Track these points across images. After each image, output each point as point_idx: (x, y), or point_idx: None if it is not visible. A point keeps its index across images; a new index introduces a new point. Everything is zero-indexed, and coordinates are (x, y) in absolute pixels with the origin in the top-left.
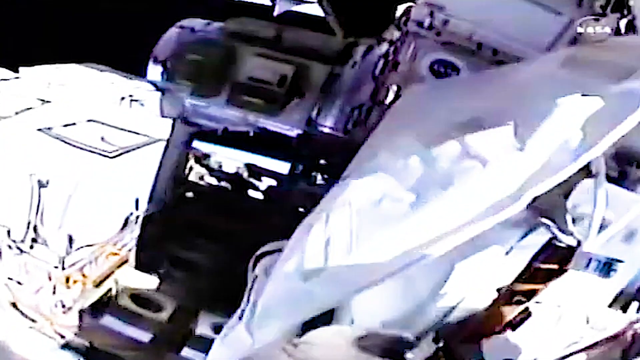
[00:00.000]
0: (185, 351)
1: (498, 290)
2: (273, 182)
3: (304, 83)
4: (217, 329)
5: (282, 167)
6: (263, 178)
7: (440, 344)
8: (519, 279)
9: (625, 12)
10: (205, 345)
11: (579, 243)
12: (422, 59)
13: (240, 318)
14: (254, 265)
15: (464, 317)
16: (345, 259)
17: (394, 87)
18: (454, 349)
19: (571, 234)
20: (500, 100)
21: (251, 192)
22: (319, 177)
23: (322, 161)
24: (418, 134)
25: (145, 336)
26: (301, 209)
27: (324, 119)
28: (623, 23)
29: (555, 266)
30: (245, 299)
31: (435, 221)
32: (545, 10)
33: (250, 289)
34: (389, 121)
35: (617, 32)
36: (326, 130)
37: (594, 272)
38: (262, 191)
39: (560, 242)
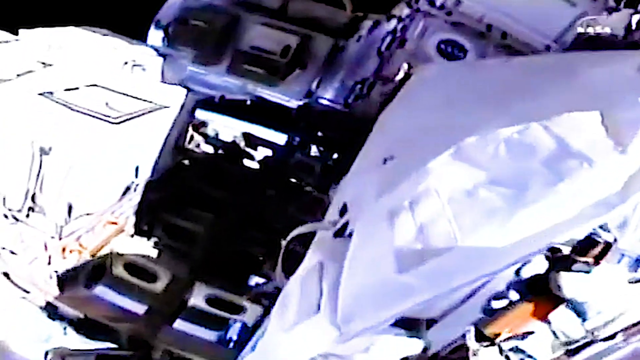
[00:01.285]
0: (178, 323)
1: None
2: (269, 152)
3: (307, 54)
4: (211, 300)
5: (279, 137)
6: (259, 148)
7: None
8: None
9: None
10: (197, 317)
11: (615, 239)
12: (430, 38)
13: (317, 310)
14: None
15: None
16: (450, 248)
17: (405, 66)
18: None
19: (608, 231)
20: (575, 101)
21: (247, 162)
22: (314, 149)
23: (319, 133)
24: (501, 123)
25: (139, 308)
26: (296, 181)
27: (324, 91)
28: (635, 19)
29: (591, 259)
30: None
31: (545, 215)
32: (560, 0)
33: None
34: (450, 102)
35: (628, 27)
36: (326, 102)
37: (625, 267)
38: (257, 161)
39: (599, 237)
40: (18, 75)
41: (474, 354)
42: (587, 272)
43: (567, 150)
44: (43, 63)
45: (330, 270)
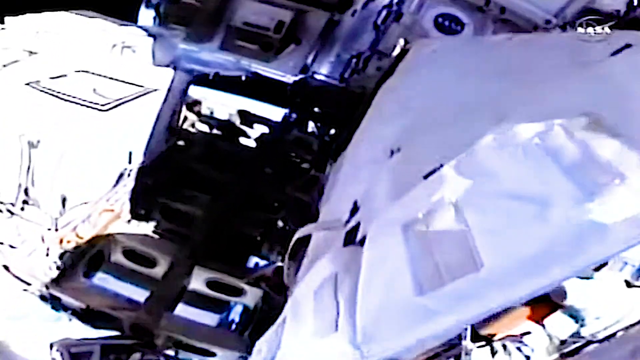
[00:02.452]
0: (180, 308)
1: None
2: (265, 130)
3: (302, 29)
4: (211, 284)
5: (276, 113)
6: (255, 125)
7: None
8: None
9: None
10: (198, 300)
11: None
12: (428, 12)
13: (335, 328)
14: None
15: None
16: (472, 272)
17: (401, 41)
18: None
19: None
20: (601, 95)
21: (243, 140)
22: (311, 124)
23: (316, 109)
24: (516, 116)
25: (140, 295)
26: (293, 157)
27: (320, 66)
28: None
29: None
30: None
31: (573, 238)
32: None
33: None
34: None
35: (630, 4)
36: (321, 77)
37: (627, 275)
38: (254, 139)
39: None
40: (4, 65)
41: (467, 354)
42: (589, 278)
43: (593, 160)
44: (29, 52)
45: (346, 283)
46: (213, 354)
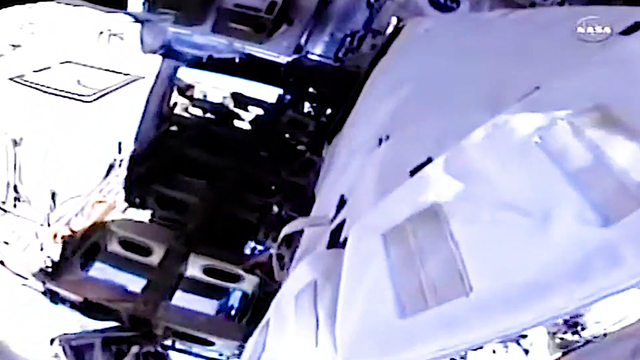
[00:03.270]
0: (177, 295)
1: None
2: (260, 112)
3: (294, 9)
4: (207, 270)
5: (270, 95)
6: (250, 107)
7: None
8: None
9: None
10: (196, 287)
11: None
12: None
13: (315, 343)
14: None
15: None
16: (460, 295)
17: (394, 19)
18: None
19: None
20: (615, 83)
21: (237, 123)
22: (307, 105)
23: (311, 89)
24: (513, 107)
25: (137, 284)
26: (289, 139)
27: (314, 45)
28: None
29: None
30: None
31: (574, 254)
32: None
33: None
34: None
35: None
36: (315, 57)
37: None
38: (248, 121)
39: None
40: None
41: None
42: None
43: (606, 167)
44: (13, 45)
45: (326, 292)
46: (212, 343)
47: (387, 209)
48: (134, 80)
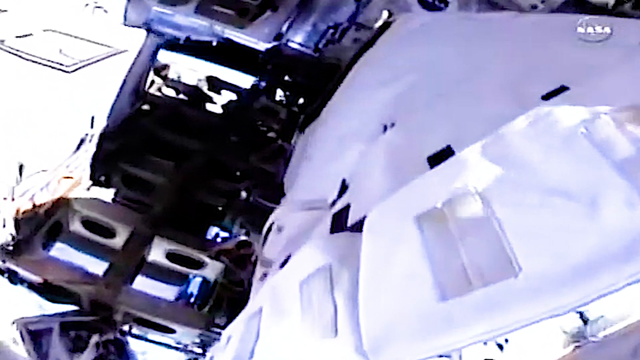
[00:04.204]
0: (138, 280)
1: None
2: (233, 97)
3: None
4: (170, 255)
5: (245, 80)
6: (223, 92)
7: None
8: None
9: None
10: (157, 272)
11: None
12: None
13: (334, 331)
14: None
15: None
16: (507, 276)
17: (385, 13)
18: None
19: None
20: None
21: (209, 106)
22: (280, 92)
23: (287, 78)
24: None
25: (99, 266)
26: (260, 125)
27: (295, 34)
28: None
29: None
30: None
31: (623, 242)
32: None
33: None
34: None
35: None
36: (295, 46)
37: None
38: (221, 105)
39: None
40: None
41: None
42: None
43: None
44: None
45: (344, 278)
46: (172, 331)
47: (415, 192)
48: (116, 54)
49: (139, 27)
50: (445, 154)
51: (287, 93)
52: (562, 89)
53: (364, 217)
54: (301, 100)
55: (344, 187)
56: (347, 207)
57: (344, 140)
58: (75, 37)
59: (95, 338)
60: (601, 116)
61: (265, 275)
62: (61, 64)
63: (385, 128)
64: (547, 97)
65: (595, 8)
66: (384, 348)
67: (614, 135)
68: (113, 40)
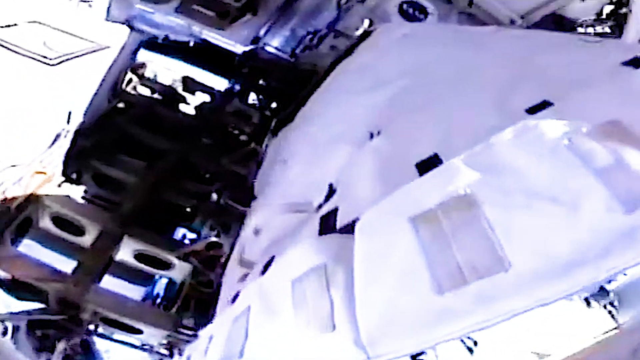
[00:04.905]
0: (106, 279)
1: None
2: (207, 98)
3: (262, 0)
4: (139, 256)
5: (220, 83)
6: (197, 93)
7: None
8: None
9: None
10: (124, 272)
11: None
12: None
13: (332, 326)
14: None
15: None
16: (499, 271)
17: (366, 22)
18: None
19: None
20: (628, 106)
21: (183, 107)
22: (253, 96)
23: (261, 81)
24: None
25: (68, 264)
26: (232, 129)
27: (272, 38)
28: (608, 9)
29: None
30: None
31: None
32: None
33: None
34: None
35: (598, 15)
36: (272, 50)
37: None
38: (194, 107)
39: None
40: None
41: None
42: None
43: (626, 168)
44: None
45: (338, 276)
46: (140, 332)
47: (408, 195)
48: (99, 49)
49: (121, 24)
50: (433, 161)
51: (260, 97)
52: (546, 103)
53: (354, 220)
54: (274, 105)
55: (331, 191)
56: (335, 210)
57: (328, 145)
58: (60, 30)
59: (62, 344)
60: (583, 130)
61: (245, 276)
62: (44, 57)
63: (371, 135)
64: (531, 110)
65: (573, 25)
66: (383, 340)
67: (595, 147)
68: (96, 35)
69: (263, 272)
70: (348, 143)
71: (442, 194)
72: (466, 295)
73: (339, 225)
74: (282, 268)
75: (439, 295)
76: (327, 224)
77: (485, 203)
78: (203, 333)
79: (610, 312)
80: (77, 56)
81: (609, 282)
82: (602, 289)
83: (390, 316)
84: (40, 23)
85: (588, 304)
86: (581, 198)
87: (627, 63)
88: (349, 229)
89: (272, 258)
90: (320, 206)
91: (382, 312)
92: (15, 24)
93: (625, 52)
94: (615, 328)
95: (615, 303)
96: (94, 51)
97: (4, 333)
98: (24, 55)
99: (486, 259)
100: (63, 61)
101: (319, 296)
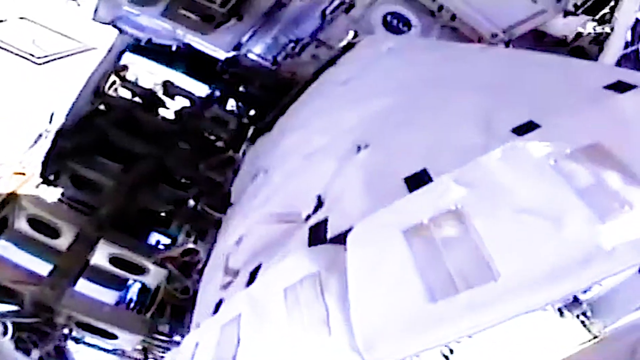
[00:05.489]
0: (81, 283)
1: None
2: (186, 103)
3: (248, 6)
4: (114, 260)
5: (200, 88)
6: (177, 98)
7: None
8: None
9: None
10: (98, 276)
11: None
12: (379, 8)
13: (328, 330)
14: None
15: None
16: (487, 281)
17: (351, 33)
18: None
19: None
20: (610, 129)
21: (162, 111)
22: (231, 102)
23: (241, 88)
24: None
25: (43, 267)
26: (209, 134)
27: (254, 45)
28: (590, 26)
29: None
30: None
31: (584, 255)
32: None
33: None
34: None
35: (579, 33)
36: (254, 57)
37: None
38: (174, 111)
39: None
40: None
41: None
42: None
43: (604, 188)
44: None
45: (332, 283)
46: (115, 337)
47: (401, 210)
48: (86, 50)
49: (107, 24)
50: (421, 176)
51: (239, 103)
52: (532, 124)
53: (346, 231)
54: (252, 112)
55: (319, 203)
56: (324, 221)
57: (312, 156)
58: (49, 28)
59: (36, 352)
60: (567, 152)
61: (229, 283)
62: (32, 55)
63: (359, 148)
64: (516, 130)
65: (554, 41)
66: (378, 345)
67: (577, 168)
68: (84, 35)
69: (250, 280)
70: (334, 155)
71: (434, 209)
72: (457, 303)
73: (329, 235)
74: (273, 276)
75: (432, 302)
76: (317, 235)
77: (475, 217)
78: (187, 339)
79: (583, 322)
80: (64, 56)
81: (584, 292)
82: (575, 299)
83: (385, 322)
84: (29, 20)
85: (561, 313)
86: (564, 213)
87: (608, 87)
88: (341, 239)
89: (259, 266)
90: (308, 217)
91: (377, 317)
92: (5, 20)
93: (608, 75)
94: (595, 337)
95: (588, 313)
96: (81, 52)
97: (4, 333)
98: (11, 52)
99: (476, 269)
100: (50, 61)
101: (314, 302)
